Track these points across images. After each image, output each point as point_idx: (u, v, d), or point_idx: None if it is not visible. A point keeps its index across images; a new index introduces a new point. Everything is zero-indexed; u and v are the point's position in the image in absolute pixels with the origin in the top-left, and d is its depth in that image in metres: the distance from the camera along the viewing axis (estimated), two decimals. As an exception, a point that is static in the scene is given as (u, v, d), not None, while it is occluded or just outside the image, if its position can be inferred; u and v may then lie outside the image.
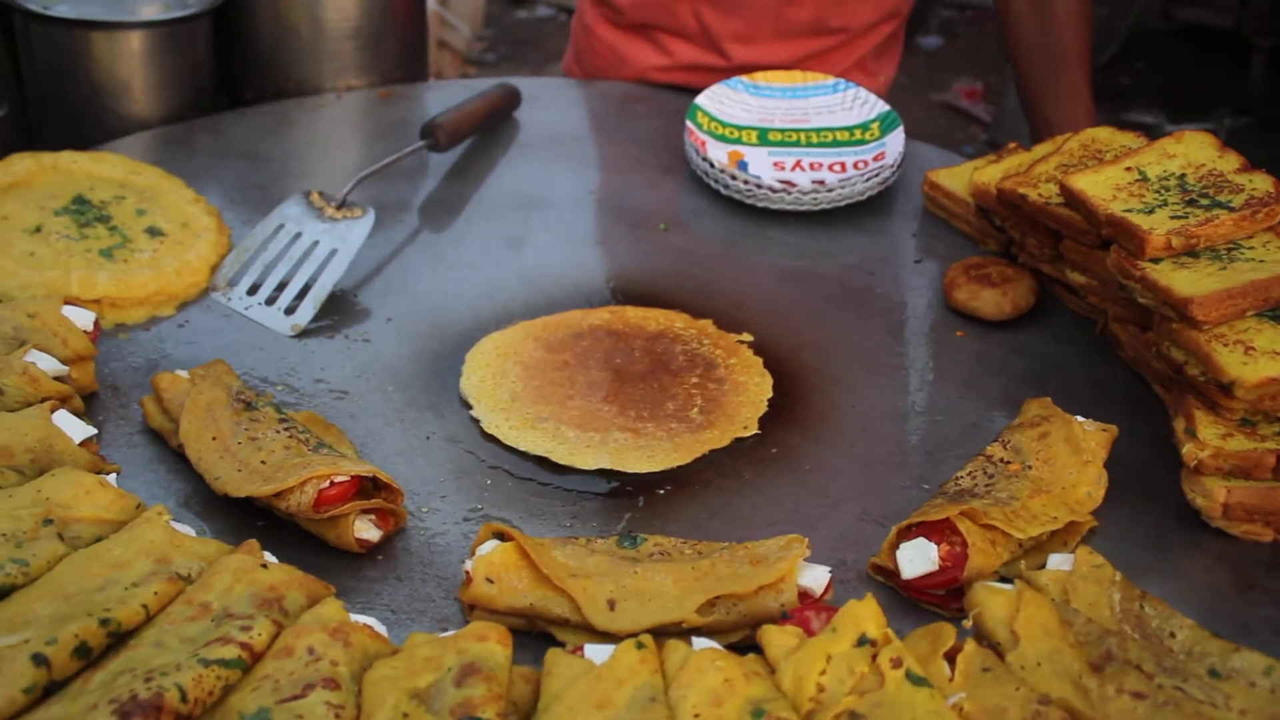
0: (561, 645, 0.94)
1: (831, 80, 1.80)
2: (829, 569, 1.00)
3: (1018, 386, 1.33)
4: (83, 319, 1.19)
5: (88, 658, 0.82)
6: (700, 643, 0.87)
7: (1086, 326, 1.42)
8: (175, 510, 1.09)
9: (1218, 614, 1.04)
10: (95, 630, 0.83)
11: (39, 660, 0.79)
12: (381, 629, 0.90)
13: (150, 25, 1.65)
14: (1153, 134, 1.42)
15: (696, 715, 0.80)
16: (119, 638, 0.85)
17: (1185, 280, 1.19)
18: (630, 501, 1.16)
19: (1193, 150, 1.35)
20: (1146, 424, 1.26)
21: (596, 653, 0.85)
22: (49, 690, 0.80)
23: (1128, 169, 1.34)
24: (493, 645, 0.84)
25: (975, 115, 4.48)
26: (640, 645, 0.85)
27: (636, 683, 0.82)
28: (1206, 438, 1.12)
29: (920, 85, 4.78)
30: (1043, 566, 1.04)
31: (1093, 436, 1.16)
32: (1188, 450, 1.11)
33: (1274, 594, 1.06)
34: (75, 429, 1.06)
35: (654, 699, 0.81)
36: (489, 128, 1.77)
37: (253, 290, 1.38)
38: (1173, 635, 0.95)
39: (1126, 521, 1.15)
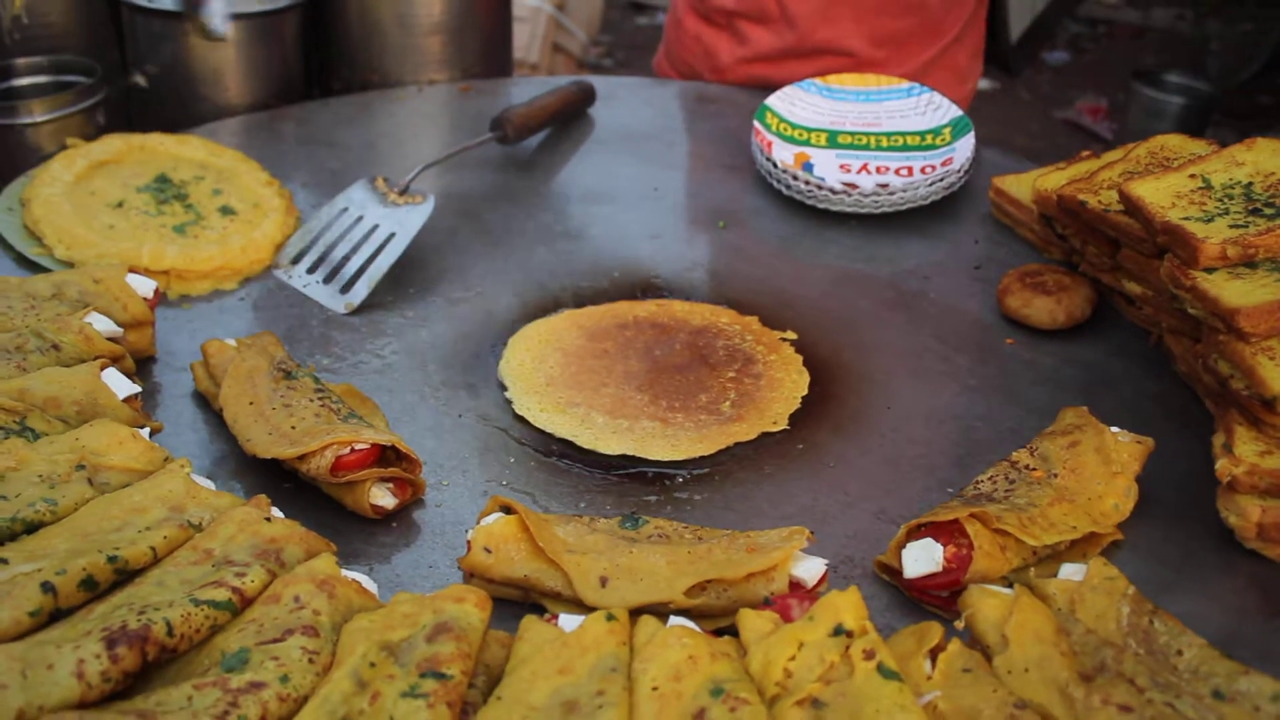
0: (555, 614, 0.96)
1: (906, 84, 1.78)
2: (825, 562, 0.99)
3: (1063, 396, 1.29)
4: (144, 287, 1.26)
5: (94, 590, 0.88)
6: (675, 620, 0.88)
7: (1143, 338, 1.37)
8: (209, 469, 1.15)
9: (1239, 637, 0.99)
10: (103, 566, 0.88)
11: (47, 588, 0.85)
12: (371, 586, 0.93)
13: (243, 17, 1.74)
14: None
15: (655, 688, 0.80)
16: (126, 575, 0.90)
17: (1236, 291, 1.14)
18: (647, 487, 1.17)
19: (1263, 158, 1.29)
20: (1195, 440, 1.21)
21: (568, 621, 0.87)
22: (55, 616, 0.85)
23: (1191, 176, 1.29)
24: (469, 607, 0.86)
25: (1097, 133, 4.33)
26: (610, 617, 0.86)
27: (601, 652, 0.83)
28: (1243, 454, 1.06)
29: (1043, 102, 4.65)
30: (1055, 576, 1.01)
31: (1125, 448, 1.12)
32: (1221, 466, 1.07)
33: (1303, 620, 1.01)
34: (120, 386, 1.12)
35: (615, 669, 0.82)
36: (562, 123, 1.81)
37: (313, 269, 1.44)
38: (1180, 653, 0.92)
39: (1159, 537, 1.10)
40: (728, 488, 1.17)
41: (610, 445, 1.22)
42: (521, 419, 1.25)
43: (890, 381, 1.33)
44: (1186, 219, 1.22)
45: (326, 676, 0.81)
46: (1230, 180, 1.27)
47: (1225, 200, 1.25)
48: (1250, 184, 1.26)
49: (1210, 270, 1.18)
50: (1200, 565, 1.07)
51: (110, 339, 1.19)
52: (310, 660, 0.82)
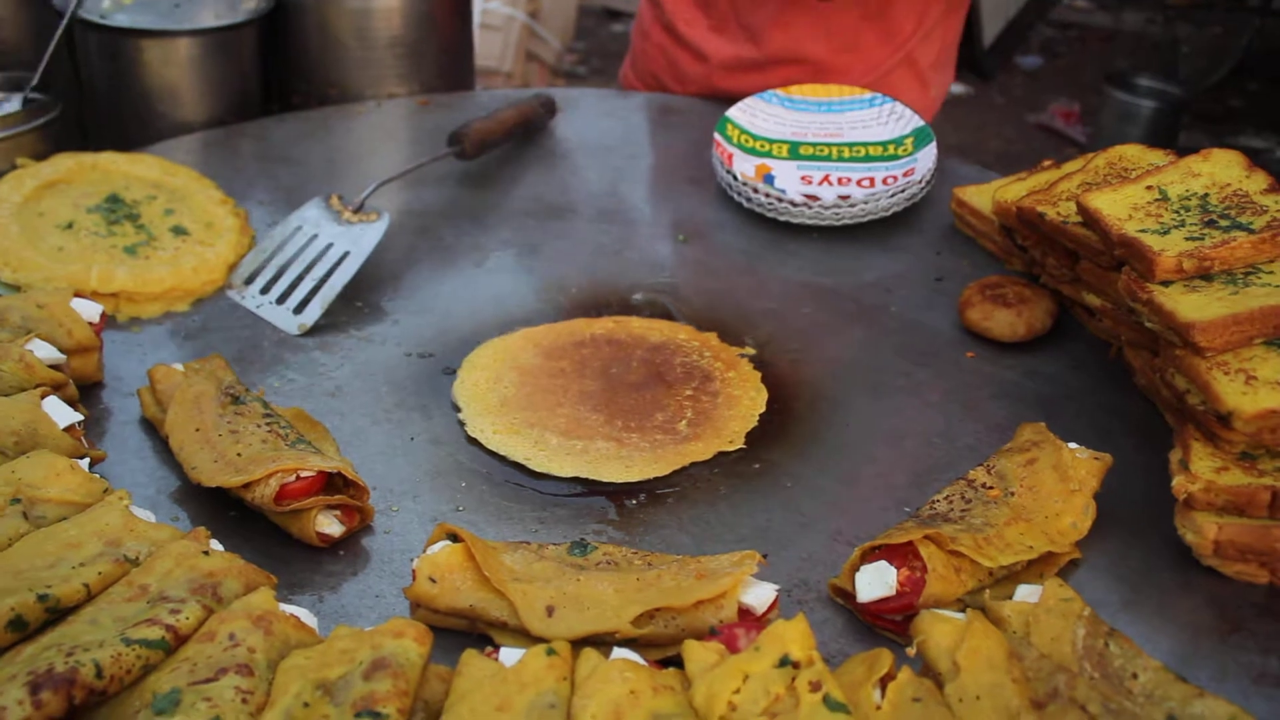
0: (497, 647, 0.94)
1: (868, 95, 1.77)
2: (776, 588, 0.98)
3: (1023, 410, 1.28)
4: (89, 311, 1.24)
5: (23, 631, 0.85)
6: (618, 653, 0.86)
7: (1104, 351, 1.36)
8: (153, 498, 1.12)
9: (1195, 656, 0.98)
10: (33, 605, 0.86)
11: (-27, 631, 0.83)
12: (311, 620, 0.91)
13: (199, 33, 1.72)
14: (1262, 160, 1.33)
15: (595, 725, 0.79)
16: (58, 614, 0.88)
17: (1192, 304, 1.13)
18: (601, 510, 1.15)
19: (1219, 169, 1.29)
20: (1154, 455, 1.20)
21: (509, 656, 0.85)
22: (-19, 660, 0.83)
23: (1148, 188, 1.28)
24: (407, 642, 0.84)
25: (1070, 136, 4.34)
26: (550, 652, 0.84)
27: (540, 688, 0.81)
28: (1200, 470, 1.05)
29: (1017, 105, 4.66)
30: (1011, 597, 0.99)
31: (1083, 465, 1.11)
32: (1177, 483, 1.05)
33: (1260, 639, 0.99)
34: (61, 414, 1.10)
35: (554, 705, 0.80)
36: (522, 137, 1.79)
37: (266, 289, 1.42)
38: (1135, 676, 0.90)
39: (1115, 555, 1.09)
40: (682, 510, 1.16)
41: (564, 467, 1.20)
42: (474, 441, 1.23)
43: (849, 398, 1.31)
44: (1143, 231, 1.22)
45: (259, 718, 0.79)
46: (1186, 192, 1.27)
47: (1181, 212, 1.24)
48: (1206, 195, 1.26)
49: (1166, 283, 1.17)
50: (1158, 583, 1.06)
51: (53, 366, 1.16)
52: (244, 700, 0.80)
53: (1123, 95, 3.95)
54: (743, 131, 1.71)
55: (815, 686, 0.82)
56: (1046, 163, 1.56)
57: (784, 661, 0.84)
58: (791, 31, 1.88)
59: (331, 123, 1.80)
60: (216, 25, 1.73)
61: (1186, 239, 1.19)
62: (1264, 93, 4.68)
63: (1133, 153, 1.40)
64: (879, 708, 0.85)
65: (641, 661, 0.86)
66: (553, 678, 0.82)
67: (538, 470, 1.19)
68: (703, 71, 1.98)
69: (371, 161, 1.75)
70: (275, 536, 1.09)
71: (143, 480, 1.15)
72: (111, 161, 1.54)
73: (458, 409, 1.28)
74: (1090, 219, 1.27)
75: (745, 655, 0.84)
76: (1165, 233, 1.21)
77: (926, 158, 1.65)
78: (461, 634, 0.99)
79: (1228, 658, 0.98)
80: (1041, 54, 5.05)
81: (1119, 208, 1.26)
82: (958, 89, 4.59)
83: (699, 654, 0.85)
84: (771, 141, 1.71)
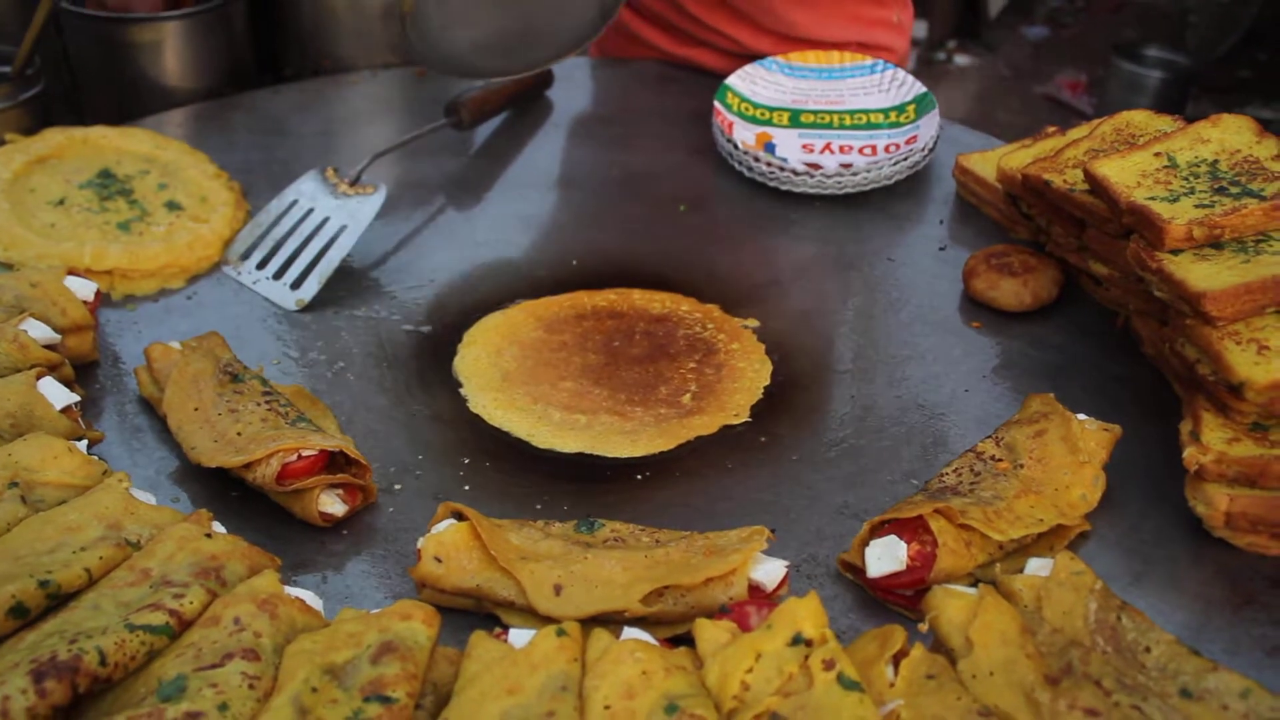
0: (505, 627, 0.93)
1: (869, 61, 1.75)
2: (786, 564, 0.97)
3: (1030, 381, 1.27)
4: (84, 289, 1.22)
5: (25, 617, 0.84)
6: (629, 633, 0.85)
7: (1111, 320, 1.35)
8: (152, 479, 1.11)
9: (1206, 629, 0.97)
10: (34, 591, 0.85)
11: (-27, 618, 0.81)
12: (316, 602, 0.90)
13: (188, 15, 1.68)
14: (1272, 131, 1.29)
15: (607, 707, 0.78)
16: (59, 599, 0.86)
17: (1202, 273, 1.12)
18: (606, 486, 1.14)
19: (1229, 135, 1.27)
20: (1164, 425, 1.19)
21: (519, 637, 0.84)
22: (-18, 647, 0.82)
23: (1157, 154, 1.26)
24: (416, 624, 0.83)
25: (1077, 108, 4.29)
26: (561, 632, 0.83)
27: (550, 670, 0.80)
28: (1211, 442, 1.04)
29: (1023, 77, 4.60)
30: (1022, 570, 0.99)
31: (1093, 436, 1.10)
32: (1188, 454, 1.04)
33: (1272, 611, 0.99)
34: (58, 396, 1.08)
35: (565, 688, 0.79)
36: (519, 106, 1.76)
37: (262, 264, 1.40)
38: (1148, 650, 0.90)
39: (1125, 527, 1.08)
40: (688, 484, 1.14)
41: (567, 443, 1.19)
42: (476, 417, 1.22)
43: (854, 369, 1.30)
44: (1152, 199, 1.20)
45: (266, 704, 0.78)
46: (1196, 158, 1.25)
47: (1191, 179, 1.22)
48: (1216, 162, 1.24)
49: (1176, 252, 1.16)
50: (1168, 556, 1.05)
51: (48, 346, 1.14)
52: (251, 686, 0.79)
53: (1130, 66, 3.91)
54: (743, 99, 1.69)
55: (829, 665, 0.81)
56: (1051, 129, 1.54)
57: (796, 640, 0.83)
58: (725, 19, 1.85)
59: (326, 94, 1.77)
60: (205, 7, 1.70)
61: (1196, 206, 1.18)
62: (1273, 63, 4.62)
63: (1140, 119, 1.38)
64: (892, 685, 0.84)
65: (652, 641, 0.85)
66: (563, 659, 0.81)
67: (541, 447, 1.18)
68: (663, 46, 1.95)
69: (367, 132, 1.72)
70: (277, 517, 1.07)
71: (142, 461, 1.13)
72: (102, 136, 1.52)
73: (459, 384, 1.26)
74: (1098, 186, 1.25)
75: (757, 634, 0.83)
76: (1175, 200, 1.19)
77: (929, 125, 1.63)
78: (469, 614, 0.98)
79: (1240, 630, 0.97)
80: (1048, 24, 4.99)
81: (1127, 175, 1.24)
82: (964, 60, 4.55)
83: (711, 633, 0.84)
84: (772, 109, 1.69)
